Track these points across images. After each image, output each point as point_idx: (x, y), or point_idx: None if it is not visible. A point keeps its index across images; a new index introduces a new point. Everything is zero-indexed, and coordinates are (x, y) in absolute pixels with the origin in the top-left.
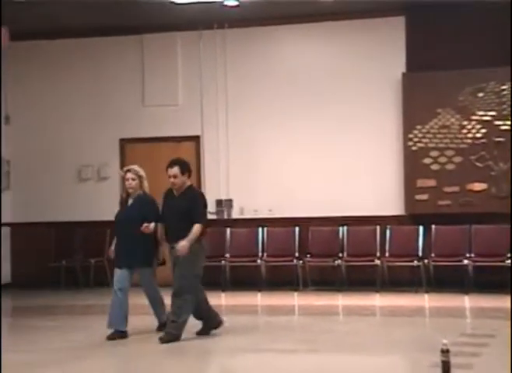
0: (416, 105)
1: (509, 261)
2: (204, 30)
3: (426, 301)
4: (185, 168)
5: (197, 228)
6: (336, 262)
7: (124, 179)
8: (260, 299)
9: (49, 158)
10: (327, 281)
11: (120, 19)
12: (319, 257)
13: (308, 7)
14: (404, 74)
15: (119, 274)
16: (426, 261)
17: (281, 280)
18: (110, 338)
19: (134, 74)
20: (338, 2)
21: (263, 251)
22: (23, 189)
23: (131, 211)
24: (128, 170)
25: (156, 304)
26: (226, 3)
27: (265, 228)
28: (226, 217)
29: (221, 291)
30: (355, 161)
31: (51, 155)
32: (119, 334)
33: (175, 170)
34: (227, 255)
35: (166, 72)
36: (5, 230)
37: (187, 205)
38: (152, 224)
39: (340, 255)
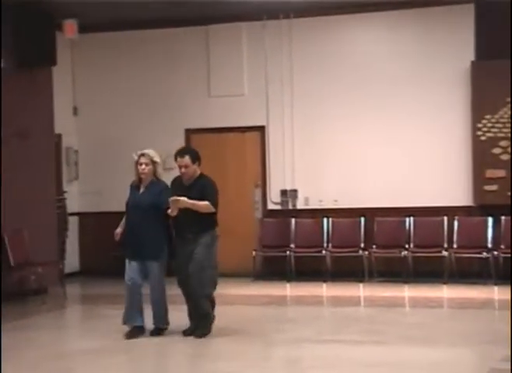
0: (485, 94)
1: None
2: (269, 20)
3: (496, 293)
4: (195, 156)
5: (206, 204)
6: (402, 253)
7: (136, 164)
8: (325, 290)
9: (116, 148)
10: (393, 272)
11: (186, 10)
12: (385, 248)
13: None
14: (473, 63)
15: (129, 267)
16: (495, 253)
17: (346, 271)
18: (129, 336)
19: (199, 65)
20: None
21: (328, 241)
22: (90, 179)
23: (143, 199)
24: (142, 154)
25: (158, 305)
26: None
27: (330, 219)
28: (290, 207)
29: (286, 281)
30: (422, 151)
31: (118, 146)
32: (137, 330)
33: (186, 160)
34: (292, 245)
35: (232, 62)
36: (73, 219)
37: (199, 195)
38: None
39: (406, 246)
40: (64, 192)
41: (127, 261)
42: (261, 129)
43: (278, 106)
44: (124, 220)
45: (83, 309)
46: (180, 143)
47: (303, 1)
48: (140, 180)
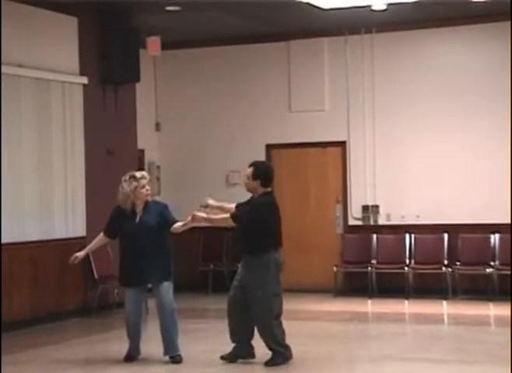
0: None
1: None
2: (350, 35)
3: None
4: (260, 173)
5: (223, 217)
6: (488, 270)
7: (136, 189)
8: (407, 307)
9: (197, 163)
10: (478, 290)
11: (267, 26)
12: (469, 265)
13: (457, 9)
14: None
15: (133, 298)
16: None
17: (429, 287)
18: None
19: (280, 80)
20: (489, 3)
21: (410, 258)
22: (172, 194)
23: (146, 221)
24: (143, 177)
25: (173, 330)
26: (373, 7)
27: (413, 235)
28: (372, 223)
29: (367, 297)
30: (508, 166)
31: (199, 161)
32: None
33: (249, 171)
34: (373, 261)
35: (313, 77)
36: None
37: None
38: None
39: (492, 263)
40: None
41: (127, 290)
42: (342, 144)
43: (360, 121)
44: (92, 244)
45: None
46: (261, 158)
47: (385, 16)
48: (134, 206)
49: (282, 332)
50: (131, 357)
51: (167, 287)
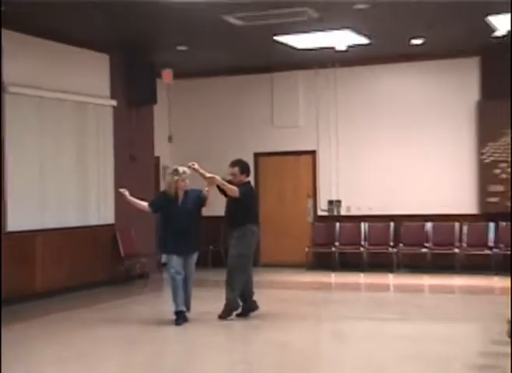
0: (488, 126)
1: None
2: (319, 69)
3: (496, 282)
4: (244, 168)
5: (234, 188)
6: (423, 250)
7: (177, 182)
8: (362, 279)
9: (200, 167)
10: (416, 265)
11: (256, 61)
12: (409, 246)
13: (400, 50)
14: (478, 102)
15: (176, 262)
16: (495, 250)
17: (379, 263)
18: (182, 321)
19: (266, 103)
20: (426, 46)
21: (365, 240)
22: None
23: (187, 205)
24: (184, 172)
25: (190, 291)
26: (336, 48)
27: (367, 223)
28: (335, 214)
29: (331, 271)
30: (440, 171)
31: (202, 165)
32: (184, 315)
33: (235, 170)
34: (336, 243)
35: (290, 101)
36: None
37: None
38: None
39: (426, 244)
40: None
41: (171, 257)
42: (312, 153)
43: (326, 135)
44: (135, 200)
45: None
46: (251, 163)
47: (346, 54)
48: (176, 193)
49: (244, 288)
50: (183, 315)
51: (195, 257)
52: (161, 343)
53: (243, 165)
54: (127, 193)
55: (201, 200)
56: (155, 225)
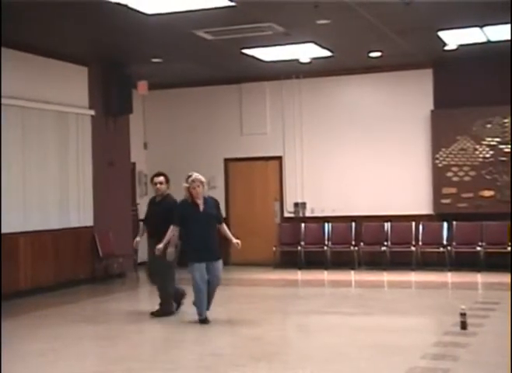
0: (441, 133)
1: (509, 248)
2: (285, 80)
3: (449, 277)
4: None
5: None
6: (382, 248)
7: (188, 188)
8: (326, 275)
9: (174, 173)
10: (375, 263)
11: (226, 73)
12: (370, 245)
13: (359, 62)
14: (432, 111)
15: (200, 268)
16: (449, 248)
17: (341, 261)
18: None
19: (235, 112)
20: (384, 58)
21: (328, 240)
22: None
23: (207, 212)
24: (193, 180)
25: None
26: (301, 60)
27: (330, 223)
28: (301, 215)
29: (297, 269)
30: (397, 174)
31: (176, 171)
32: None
33: (161, 179)
34: (302, 243)
35: (258, 110)
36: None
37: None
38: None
39: (385, 243)
40: (137, 204)
41: (196, 264)
42: (279, 158)
43: (292, 142)
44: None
45: (151, 289)
46: (221, 169)
47: (309, 66)
48: (193, 199)
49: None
50: (205, 318)
51: (221, 263)
52: (137, 338)
53: (166, 176)
54: (161, 245)
55: (219, 211)
56: (132, 228)
